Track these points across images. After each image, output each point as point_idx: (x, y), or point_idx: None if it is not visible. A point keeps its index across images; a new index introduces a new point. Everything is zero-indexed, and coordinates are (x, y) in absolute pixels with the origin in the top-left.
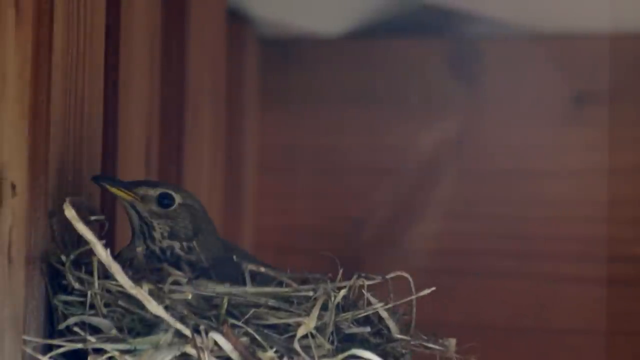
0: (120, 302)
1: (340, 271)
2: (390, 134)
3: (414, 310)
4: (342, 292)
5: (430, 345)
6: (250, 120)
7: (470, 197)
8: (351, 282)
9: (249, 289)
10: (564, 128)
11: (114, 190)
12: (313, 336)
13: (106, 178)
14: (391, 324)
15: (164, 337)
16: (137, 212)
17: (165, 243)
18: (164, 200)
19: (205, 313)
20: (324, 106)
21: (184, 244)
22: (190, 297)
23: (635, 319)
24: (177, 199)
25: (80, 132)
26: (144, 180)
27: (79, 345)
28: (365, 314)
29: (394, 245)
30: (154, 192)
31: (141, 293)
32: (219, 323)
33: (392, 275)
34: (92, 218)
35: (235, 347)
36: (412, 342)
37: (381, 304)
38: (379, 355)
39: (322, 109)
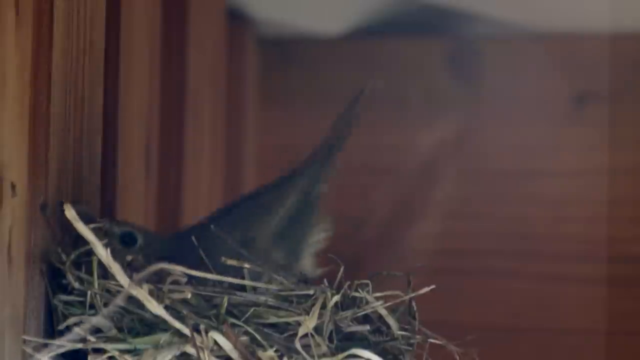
0: (119, 302)
1: (341, 270)
2: (390, 134)
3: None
4: (336, 297)
5: (433, 340)
6: (250, 120)
7: (470, 197)
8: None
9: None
10: (564, 128)
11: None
12: (313, 335)
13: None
14: (391, 321)
15: (164, 337)
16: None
17: None
18: (128, 240)
19: (205, 312)
20: (324, 106)
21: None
22: (189, 296)
23: (635, 319)
24: (140, 240)
25: (80, 132)
26: (112, 218)
27: (79, 345)
28: (364, 312)
29: (394, 245)
30: (116, 230)
31: (141, 293)
32: (219, 322)
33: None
34: (91, 226)
35: (235, 347)
36: (412, 340)
37: (380, 302)
38: (378, 353)
39: (322, 109)
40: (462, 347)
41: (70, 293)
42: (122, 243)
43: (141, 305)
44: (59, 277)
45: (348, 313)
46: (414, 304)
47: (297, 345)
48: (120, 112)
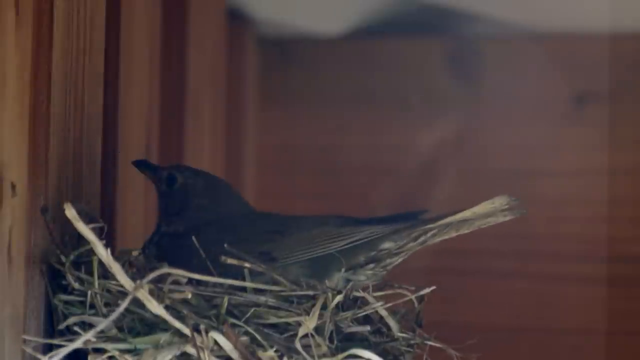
0: (120, 302)
1: (342, 270)
2: (390, 134)
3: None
4: (338, 297)
5: (432, 343)
6: (250, 120)
7: (470, 197)
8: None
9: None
10: (564, 128)
11: (145, 174)
12: (313, 336)
13: (143, 164)
14: (391, 322)
15: (164, 337)
16: (159, 193)
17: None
18: (170, 181)
19: (205, 312)
20: (324, 106)
21: (168, 219)
22: (190, 296)
23: (635, 319)
24: (179, 179)
25: (80, 132)
26: (171, 165)
27: (80, 345)
28: (365, 313)
29: None
30: (165, 174)
31: (142, 293)
32: (219, 322)
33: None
34: (91, 226)
35: (236, 347)
36: (412, 342)
37: (380, 303)
38: (379, 354)
39: (322, 109)
40: (461, 350)
41: (70, 293)
42: (167, 186)
43: (141, 305)
44: (59, 277)
45: (348, 313)
46: (421, 313)
47: (298, 345)
48: (120, 112)
